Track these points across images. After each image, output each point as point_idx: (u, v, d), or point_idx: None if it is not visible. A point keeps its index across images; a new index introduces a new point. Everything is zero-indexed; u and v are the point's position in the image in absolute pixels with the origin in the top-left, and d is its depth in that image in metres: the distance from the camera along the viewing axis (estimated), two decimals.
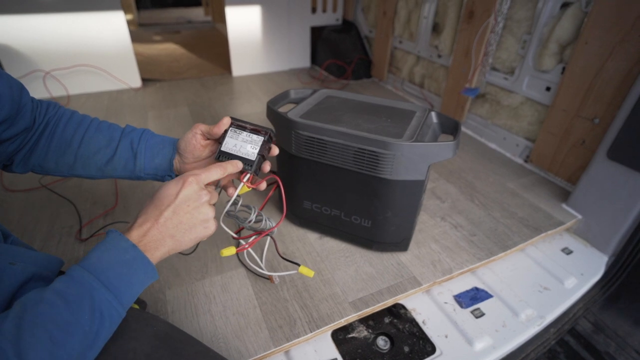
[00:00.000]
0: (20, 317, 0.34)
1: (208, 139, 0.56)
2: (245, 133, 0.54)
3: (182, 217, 0.45)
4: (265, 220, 0.66)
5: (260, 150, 0.53)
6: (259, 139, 0.54)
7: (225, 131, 0.54)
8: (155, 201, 0.45)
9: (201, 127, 0.55)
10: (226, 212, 0.59)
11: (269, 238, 0.79)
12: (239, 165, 0.52)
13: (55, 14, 1.61)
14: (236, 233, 0.65)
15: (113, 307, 0.39)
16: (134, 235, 0.43)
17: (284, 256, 0.84)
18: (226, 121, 0.54)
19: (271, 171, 0.59)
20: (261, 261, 0.77)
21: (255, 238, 0.64)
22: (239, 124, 0.55)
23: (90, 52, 1.73)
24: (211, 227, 0.48)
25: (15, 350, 0.32)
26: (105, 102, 1.72)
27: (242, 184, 0.54)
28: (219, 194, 0.61)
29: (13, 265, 0.43)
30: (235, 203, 0.60)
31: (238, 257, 0.86)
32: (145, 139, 0.58)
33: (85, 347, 0.36)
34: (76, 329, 0.36)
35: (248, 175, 0.54)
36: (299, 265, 0.72)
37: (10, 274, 0.42)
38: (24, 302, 0.35)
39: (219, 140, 0.55)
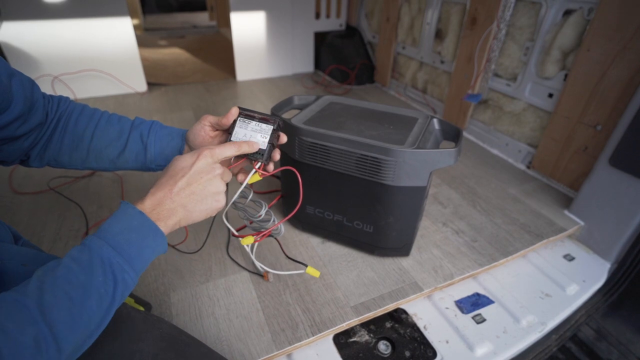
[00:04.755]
0: (42, 280, 0.36)
1: (217, 129, 0.57)
2: (254, 122, 0.54)
3: (195, 187, 0.46)
4: (274, 221, 0.66)
5: (270, 139, 0.54)
6: (268, 128, 0.54)
7: (234, 121, 0.55)
8: (169, 171, 0.46)
9: (210, 119, 0.56)
10: (234, 204, 0.59)
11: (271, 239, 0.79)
12: (254, 146, 0.53)
13: (63, 20, 1.64)
14: (238, 231, 0.66)
15: (125, 271, 0.40)
16: (147, 204, 0.44)
17: (291, 257, 0.84)
18: (235, 111, 0.55)
19: (275, 176, 0.60)
20: (252, 256, 0.77)
21: (265, 233, 0.65)
22: (247, 114, 0.55)
23: (98, 57, 1.76)
24: (222, 200, 0.49)
25: (39, 308, 0.34)
26: (111, 106, 1.75)
27: (253, 171, 0.55)
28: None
29: (25, 267, 0.44)
30: (244, 197, 0.60)
31: (237, 263, 0.87)
32: (155, 130, 0.59)
33: (103, 310, 0.38)
34: (91, 290, 0.37)
35: (259, 164, 0.55)
36: (306, 265, 0.73)
37: (22, 276, 0.43)
38: (44, 269, 0.37)
39: (228, 130, 0.55)
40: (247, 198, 0.61)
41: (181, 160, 0.47)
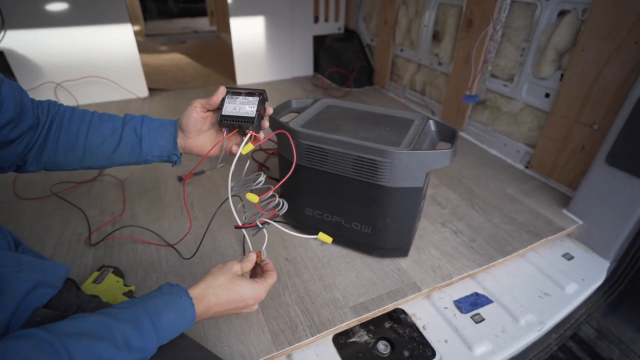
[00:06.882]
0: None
1: (208, 110, 0.61)
2: (241, 97, 0.59)
3: (238, 309, 0.55)
4: (277, 199, 0.65)
5: (257, 108, 0.58)
6: (254, 100, 0.59)
7: (223, 99, 0.59)
8: (233, 295, 0.54)
9: (200, 101, 0.60)
10: (231, 189, 0.61)
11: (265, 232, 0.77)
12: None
13: (66, 28, 1.66)
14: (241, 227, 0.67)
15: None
16: (200, 308, 0.50)
17: (299, 225, 0.83)
18: (222, 90, 0.59)
19: (275, 179, 0.61)
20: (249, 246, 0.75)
21: (266, 213, 0.65)
22: (234, 91, 0.60)
23: (99, 63, 1.79)
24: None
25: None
26: (113, 111, 1.75)
27: (246, 139, 0.59)
28: (220, 159, 0.64)
29: (19, 274, 0.45)
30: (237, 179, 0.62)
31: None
32: (147, 123, 0.61)
33: None
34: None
35: (251, 132, 0.59)
36: (317, 233, 0.72)
37: (16, 281, 0.44)
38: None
39: (219, 108, 0.59)
40: (239, 178, 0.63)
41: (247, 289, 0.56)
